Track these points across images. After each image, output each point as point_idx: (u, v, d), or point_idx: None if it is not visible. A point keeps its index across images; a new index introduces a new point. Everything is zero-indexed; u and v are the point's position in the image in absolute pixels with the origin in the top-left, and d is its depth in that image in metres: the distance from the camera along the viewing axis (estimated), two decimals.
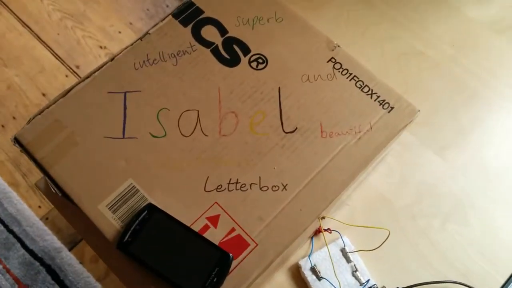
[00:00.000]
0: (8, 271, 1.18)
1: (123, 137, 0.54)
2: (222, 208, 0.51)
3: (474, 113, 0.70)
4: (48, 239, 1.22)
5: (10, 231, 1.22)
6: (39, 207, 1.26)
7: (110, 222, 0.50)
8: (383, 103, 0.56)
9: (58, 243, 1.22)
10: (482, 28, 0.75)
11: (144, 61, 0.58)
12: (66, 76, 1.42)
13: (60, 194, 0.53)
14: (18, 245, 1.21)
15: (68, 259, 1.20)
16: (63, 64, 1.44)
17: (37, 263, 1.19)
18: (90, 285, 1.17)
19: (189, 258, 0.49)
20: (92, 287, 1.17)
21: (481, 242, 0.62)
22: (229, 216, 0.51)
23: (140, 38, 0.59)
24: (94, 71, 0.57)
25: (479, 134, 0.68)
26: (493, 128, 0.69)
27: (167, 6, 1.51)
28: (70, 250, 1.21)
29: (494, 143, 0.68)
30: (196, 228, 0.50)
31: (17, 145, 0.54)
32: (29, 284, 1.17)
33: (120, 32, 1.48)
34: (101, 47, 1.46)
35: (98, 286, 1.18)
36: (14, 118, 1.36)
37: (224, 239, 0.50)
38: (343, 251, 0.60)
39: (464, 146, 0.68)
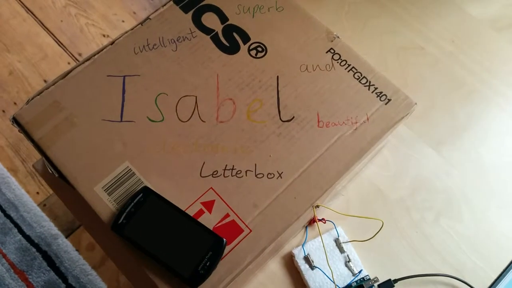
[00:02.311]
0: (4, 256, 1.18)
1: (121, 120, 0.54)
2: (217, 194, 0.51)
3: (471, 109, 0.70)
4: (45, 226, 1.22)
5: (8, 216, 1.23)
6: (37, 193, 1.27)
7: (105, 204, 0.51)
8: (380, 95, 0.56)
9: (54, 230, 1.22)
10: (483, 26, 0.75)
11: (144, 46, 0.58)
12: (68, 63, 1.42)
13: (57, 175, 0.53)
14: (15, 230, 1.21)
15: (64, 246, 1.20)
16: (65, 52, 1.44)
17: (33, 249, 1.19)
18: (85, 272, 1.18)
19: (182, 242, 0.49)
20: (87, 275, 1.18)
21: (474, 237, 0.62)
22: (224, 202, 0.51)
23: (141, 23, 0.59)
24: (94, 54, 0.57)
25: (476, 131, 0.69)
26: (490, 125, 0.69)
27: None
28: (66, 237, 1.22)
29: (490, 140, 0.68)
30: (191, 212, 0.50)
31: (15, 125, 0.54)
32: (24, 269, 1.17)
33: (123, 21, 1.48)
34: (104, 35, 1.46)
35: (93, 273, 1.18)
36: (15, 103, 1.36)
37: (218, 224, 0.50)
38: (336, 241, 0.60)
39: (460, 142, 0.68)
